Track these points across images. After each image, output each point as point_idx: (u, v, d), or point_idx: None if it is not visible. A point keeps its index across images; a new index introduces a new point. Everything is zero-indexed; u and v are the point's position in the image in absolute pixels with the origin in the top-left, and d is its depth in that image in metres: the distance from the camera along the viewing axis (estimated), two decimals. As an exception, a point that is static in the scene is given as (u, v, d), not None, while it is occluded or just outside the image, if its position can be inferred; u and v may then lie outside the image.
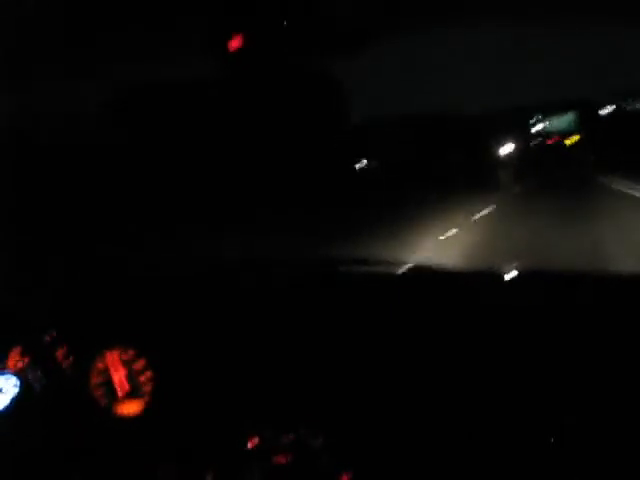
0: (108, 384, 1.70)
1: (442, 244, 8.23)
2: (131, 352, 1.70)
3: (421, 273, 1.84)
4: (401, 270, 1.91)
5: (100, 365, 1.71)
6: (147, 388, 1.67)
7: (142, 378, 1.68)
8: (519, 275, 1.97)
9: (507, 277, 1.92)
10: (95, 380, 1.72)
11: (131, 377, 1.69)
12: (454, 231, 9.65)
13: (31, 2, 3.79)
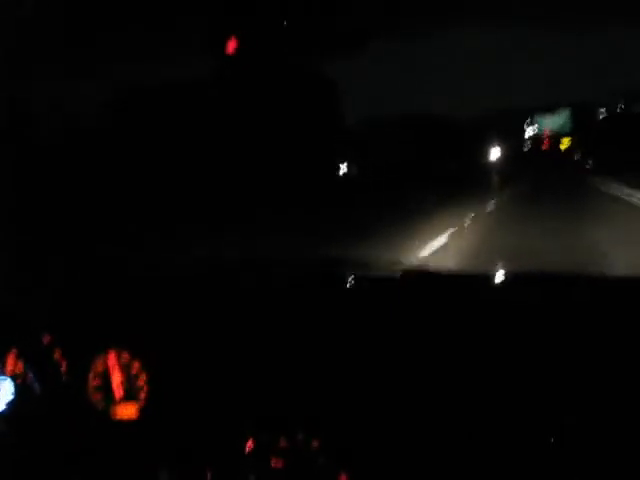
0: (106, 387, 1.69)
1: (439, 245, 8.21)
2: (129, 354, 1.69)
3: (419, 274, 1.84)
4: (400, 270, 1.91)
5: (98, 367, 1.71)
6: (145, 391, 1.67)
7: (140, 381, 1.67)
8: (515, 277, 1.97)
9: (503, 279, 1.92)
10: (93, 383, 1.72)
11: (129, 380, 1.68)
12: (451, 232, 9.61)
13: (31, 2, 3.79)
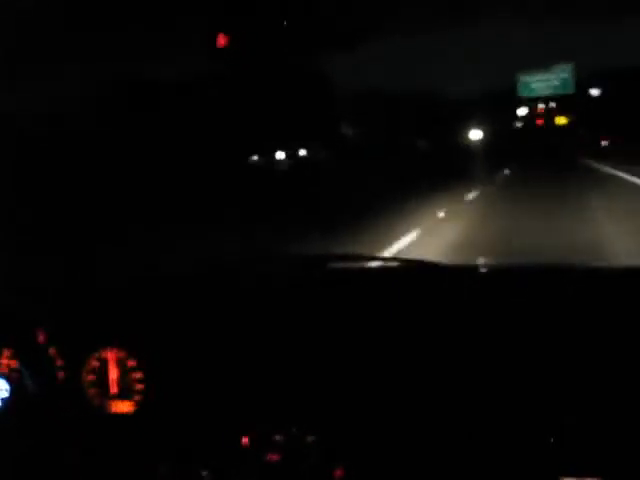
0: (101, 383, 1.70)
1: (427, 235, 8.16)
2: (125, 350, 1.70)
3: (415, 269, 1.83)
4: (394, 266, 1.91)
5: (94, 363, 1.71)
6: (141, 387, 1.68)
7: (135, 377, 1.67)
8: (505, 269, 1.97)
9: (494, 271, 1.91)
10: (88, 379, 1.72)
11: (125, 375, 1.69)
12: (442, 215, 9.52)
13: (31, 3, 3.79)
